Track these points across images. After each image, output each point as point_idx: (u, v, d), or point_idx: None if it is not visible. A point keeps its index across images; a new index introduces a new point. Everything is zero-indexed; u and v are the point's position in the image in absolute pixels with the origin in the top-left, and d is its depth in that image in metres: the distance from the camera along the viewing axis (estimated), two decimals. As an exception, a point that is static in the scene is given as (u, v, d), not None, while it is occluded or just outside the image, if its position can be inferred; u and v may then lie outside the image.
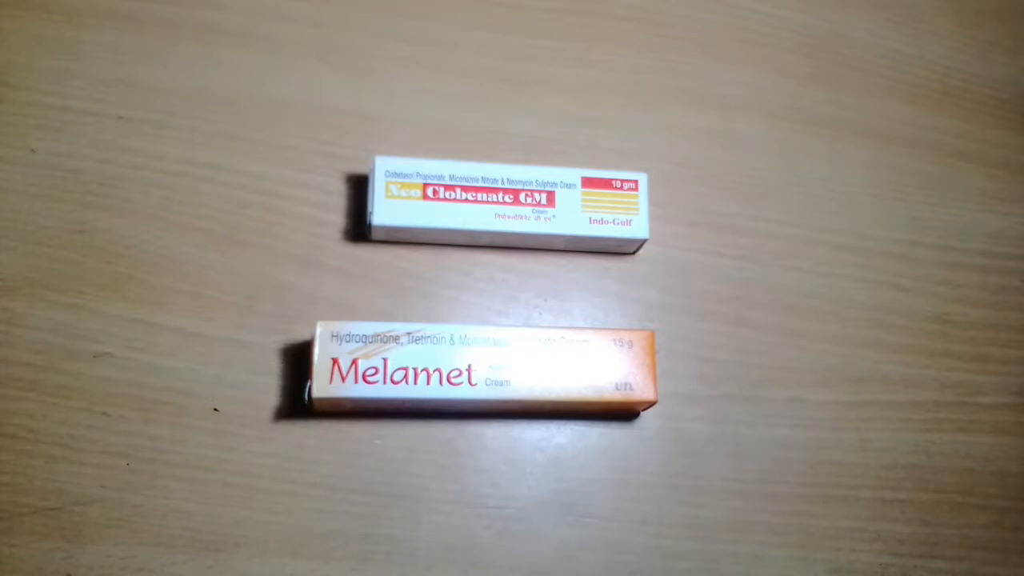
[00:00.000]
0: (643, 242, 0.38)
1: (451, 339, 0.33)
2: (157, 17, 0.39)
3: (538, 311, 0.37)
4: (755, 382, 0.38)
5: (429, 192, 0.36)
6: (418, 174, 0.36)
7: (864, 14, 0.47)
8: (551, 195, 0.37)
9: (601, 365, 0.34)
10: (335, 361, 0.32)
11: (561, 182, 0.37)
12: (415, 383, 0.32)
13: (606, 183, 0.37)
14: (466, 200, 0.36)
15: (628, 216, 0.37)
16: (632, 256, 0.39)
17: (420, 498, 0.34)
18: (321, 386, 0.32)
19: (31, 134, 0.36)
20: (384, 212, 0.35)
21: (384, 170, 0.36)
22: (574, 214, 0.36)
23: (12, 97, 0.37)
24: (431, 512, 0.34)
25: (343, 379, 0.32)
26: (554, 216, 0.36)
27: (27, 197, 0.35)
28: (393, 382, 0.32)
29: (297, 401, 0.34)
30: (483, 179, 0.36)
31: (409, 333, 0.33)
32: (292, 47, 0.40)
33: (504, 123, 0.40)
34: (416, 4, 0.42)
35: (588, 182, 0.37)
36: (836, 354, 0.39)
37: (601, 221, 0.37)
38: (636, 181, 0.37)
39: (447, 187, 0.36)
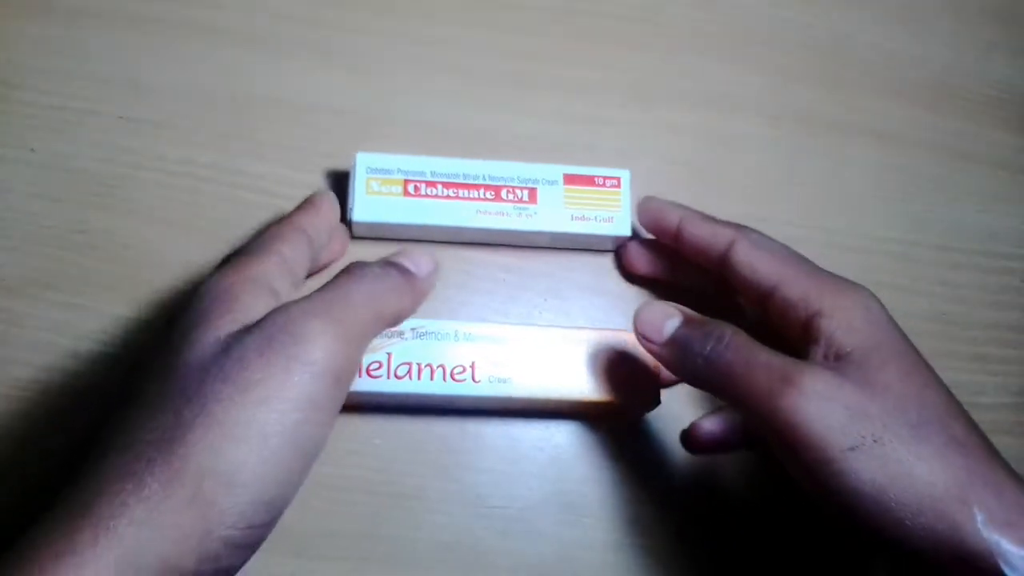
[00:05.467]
0: (626, 239, 0.38)
1: (455, 335, 0.33)
2: (157, 17, 0.39)
3: (538, 310, 0.37)
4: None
5: (410, 188, 0.35)
6: (399, 170, 0.35)
7: (864, 14, 0.47)
8: (532, 191, 0.36)
9: (604, 365, 0.34)
10: None
11: (543, 179, 0.37)
12: (418, 379, 0.32)
13: (588, 180, 0.37)
14: (447, 197, 0.36)
15: (610, 213, 0.37)
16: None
17: (420, 498, 0.34)
18: None
19: (31, 134, 0.36)
20: (364, 208, 0.35)
21: (365, 166, 0.35)
22: (556, 211, 0.36)
23: (13, 97, 0.37)
24: (431, 512, 0.34)
25: None
26: (536, 213, 0.36)
27: (27, 197, 0.35)
28: (397, 377, 0.32)
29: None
30: (464, 176, 0.36)
31: (413, 329, 0.33)
32: (293, 47, 0.40)
33: (504, 123, 0.40)
34: (416, 4, 0.42)
35: (570, 179, 0.37)
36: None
37: (583, 218, 0.36)
38: (619, 178, 0.37)
39: (428, 183, 0.36)
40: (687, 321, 0.30)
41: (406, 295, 0.28)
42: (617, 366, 0.34)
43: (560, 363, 0.33)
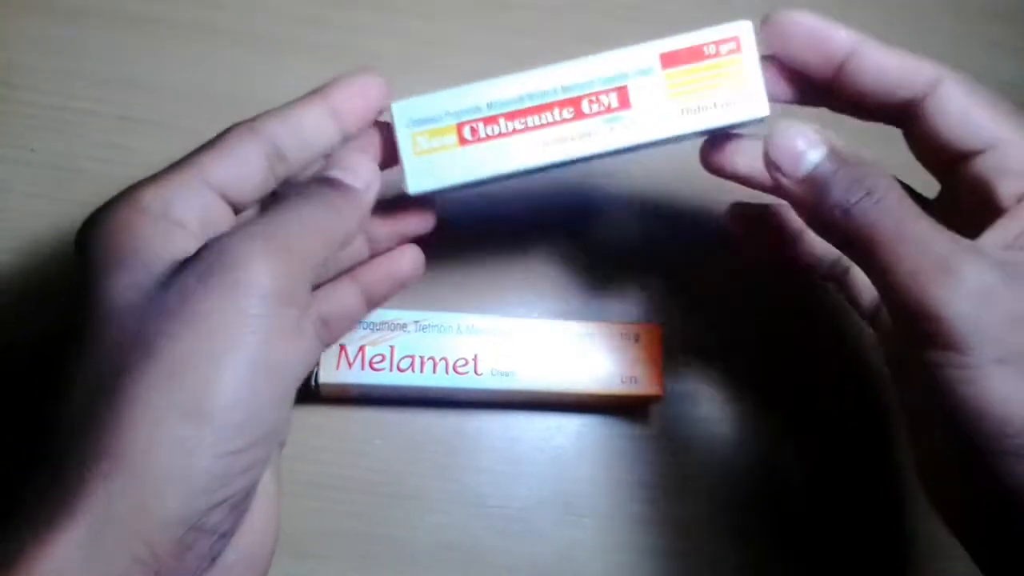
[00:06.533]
0: (762, 120, 0.28)
1: (458, 328, 0.33)
2: (157, 17, 0.39)
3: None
4: (757, 382, 0.38)
5: (466, 133, 0.27)
6: (447, 113, 0.27)
7: (864, 14, 0.46)
8: (622, 92, 0.27)
9: (607, 358, 0.34)
10: (343, 348, 0.32)
11: (634, 70, 0.27)
12: (421, 371, 0.32)
13: (695, 53, 0.27)
14: (514, 131, 0.27)
15: (732, 92, 0.27)
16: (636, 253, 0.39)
17: (419, 498, 0.34)
18: (328, 372, 0.32)
19: (31, 134, 0.36)
20: (418, 174, 0.27)
21: (407, 118, 0.27)
22: (658, 109, 0.27)
23: (13, 97, 0.37)
24: (430, 512, 0.34)
25: (350, 366, 0.32)
26: (633, 120, 0.27)
27: (27, 197, 0.35)
28: (399, 370, 0.32)
29: (302, 394, 0.34)
30: (530, 96, 0.27)
31: (416, 321, 0.33)
32: (293, 47, 0.40)
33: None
34: (417, 4, 0.42)
35: (669, 59, 0.27)
36: (837, 354, 0.39)
37: (697, 109, 0.27)
38: (736, 38, 0.27)
39: (486, 120, 0.27)
40: (834, 154, 0.24)
41: (348, 216, 0.25)
42: (621, 358, 0.34)
43: (563, 356, 0.33)
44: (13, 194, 0.35)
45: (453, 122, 0.27)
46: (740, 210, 0.32)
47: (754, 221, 0.32)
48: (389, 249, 0.30)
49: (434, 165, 0.27)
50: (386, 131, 0.28)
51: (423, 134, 0.27)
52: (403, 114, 0.27)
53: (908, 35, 0.46)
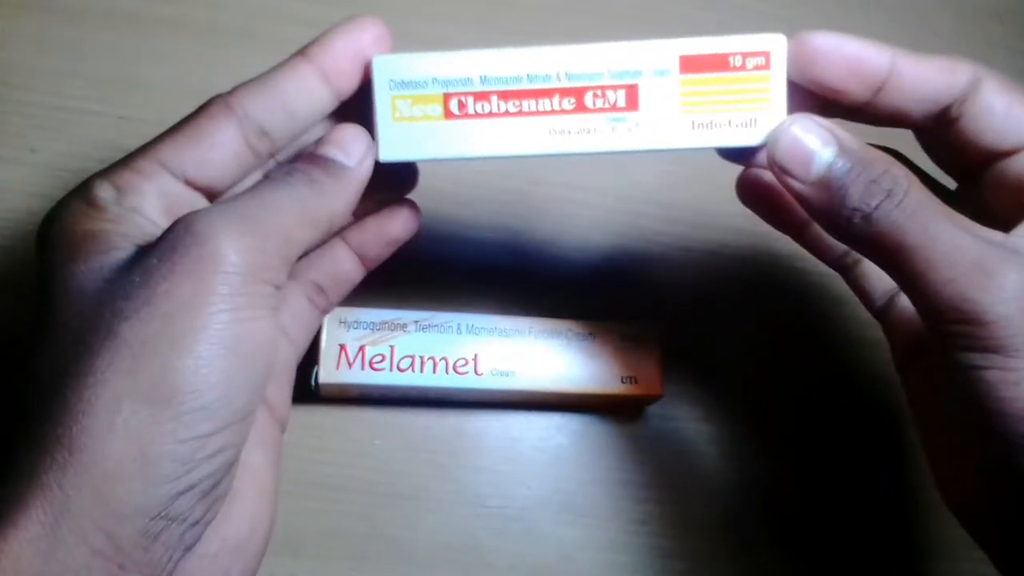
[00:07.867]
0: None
1: (458, 328, 0.33)
2: (157, 17, 0.39)
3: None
4: (757, 382, 0.38)
5: (452, 106, 0.24)
6: (435, 80, 0.24)
7: (864, 14, 0.47)
8: (631, 91, 0.24)
9: (607, 358, 0.34)
10: (342, 347, 0.32)
11: (648, 69, 0.24)
12: (421, 371, 0.32)
13: (718, 62, 0.25)
14: (507, 113, 0.24)
15: (752, 112, 0.24)
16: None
17: (419, 498, 0.34)
18: (328, 372, 0.32)
19: (31, 134, 0.36)
20: (392, 142, 0.25)
21: (387, 78, 0.24)
22: (667, 117, 0.24)
23: (12, 97, 0.37)
24: (430, 512, 0.34)
25: (350, 366, 0.32)
26: (637, 123, 0.24)
27: (27, 197, 0.35)
28: (399, 370, 0.32)
29: (302, 394, 0.34)
30: (530, 77, 0.24)
31: (416, 321, 0.33)
32: (293, 47, 0.40)
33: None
34: (416, 4, 0.42)
35: (689, 63, 0.24)
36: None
37: (709, 124, 0.25)
38: (767, 53, 0.25)
39: (477, 95, 0.24)
40: (844, 150, 0.23)
41: (333, 195, 0.23)
42: (620, 358, 0.34)
43: (563, 356, 0.33)
44: (13, 194, 0.35)
45: (440, 91, 0.24)
46: (751, 181, 0.29)
47: (764, 198, 0.29)
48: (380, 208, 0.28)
49: (413, 135, 0.25)
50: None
51: (405, 98, 0.25)
52: (384, 72, 0.25)
53: (908, 35, 0.47)
